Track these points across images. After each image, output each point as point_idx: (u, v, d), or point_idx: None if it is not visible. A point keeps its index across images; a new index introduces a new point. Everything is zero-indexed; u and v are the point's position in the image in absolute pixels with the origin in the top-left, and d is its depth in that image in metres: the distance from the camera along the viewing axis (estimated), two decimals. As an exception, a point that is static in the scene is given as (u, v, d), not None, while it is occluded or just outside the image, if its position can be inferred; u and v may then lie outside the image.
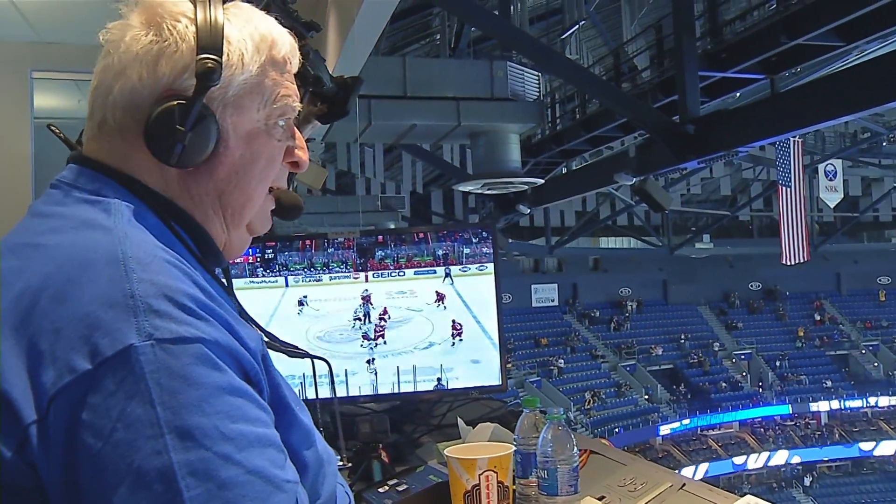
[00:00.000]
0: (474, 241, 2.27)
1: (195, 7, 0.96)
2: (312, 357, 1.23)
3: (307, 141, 1.99)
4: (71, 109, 6.33)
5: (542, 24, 15.98)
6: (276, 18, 1.72)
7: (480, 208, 20.05)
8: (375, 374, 2.18)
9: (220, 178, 0.98)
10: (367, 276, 2.23)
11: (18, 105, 5.03)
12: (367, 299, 2.22)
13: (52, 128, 1.04)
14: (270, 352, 1.02)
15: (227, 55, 0.95)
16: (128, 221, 0.89)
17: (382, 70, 9.89)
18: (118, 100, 0.95)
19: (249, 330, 0.91)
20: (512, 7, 13.05)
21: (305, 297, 2.21)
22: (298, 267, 2.23)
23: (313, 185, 7.24)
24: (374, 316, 2.22)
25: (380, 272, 2.23)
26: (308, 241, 2.25)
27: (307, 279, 2.23)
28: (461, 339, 2.20)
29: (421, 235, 2.27)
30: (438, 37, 15.47)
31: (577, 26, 14.86)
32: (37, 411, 0.76)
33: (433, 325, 2.22)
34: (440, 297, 2.22)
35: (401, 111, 10.39)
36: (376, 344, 2.20)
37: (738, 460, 26.39)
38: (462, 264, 2.24)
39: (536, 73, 11.27)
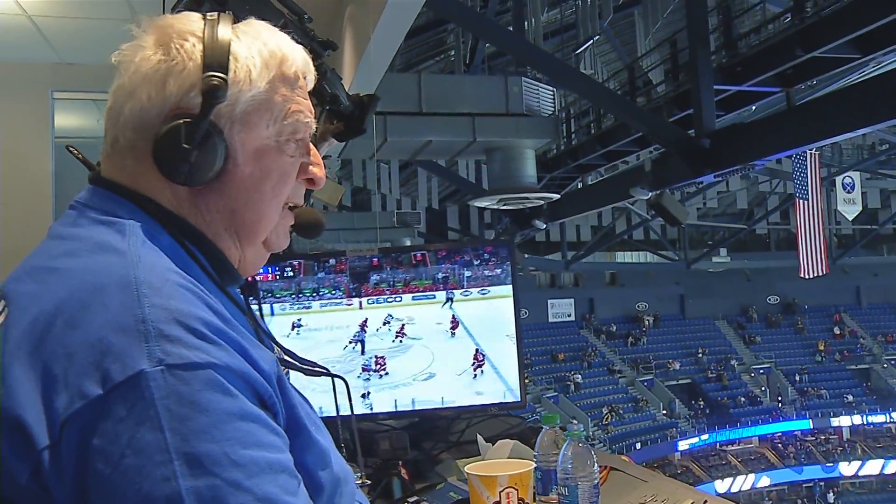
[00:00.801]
0: (475, 263, 2.14)
1: (204, 26, 0.97)
2: (333, 375, 1.21)
3: (323, 158, 2.00)
4: (90, 129, 6.41)
5: (557, 40, 16.00)
6: (293, 37, 1.74)
7: (496, 224, 20.05)
8: (371, 409, 2.08)
9: (231, 195, 0.98)
10: (361, 303, 2.10)
11: (39, 125, 5.11)
12: (364, 324, 2.08)
13: (71, 149, 1.05)
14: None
15: (234, 72, 0.96)
16: (142, 243, 0.89)
17: (398, 86, 9.94)
18: (129, 120, 0.96)
19: (263, 352, 0.90)
20: (526, 23, 13.08)
21: (300, 320, 2.08)
22: (286, 293, 2.09)
23: (330, 201, 7.26)
24: (384, 342, 2.08)
25: (375, 298, 2.10)
26: (296, 265, 2.10)
27: (295, 306, 2.08)
28: (482, 372, 2.10)
29: (419, 258, 2.15)
30: (453, 53, 15.53)
31: (591, 41, 14.85)
32: (49, 436, 0.76)
33: (433, 354, 2.10)
34: (454, 325, 2.11)
35: (416, 127, 10.43)
36: (379, 376, 2.07)
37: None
38: (463, 288, 2.13)
39: (551, 88, 11.30)
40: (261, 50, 0.99)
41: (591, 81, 11.04)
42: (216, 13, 0.99)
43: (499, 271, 2.16)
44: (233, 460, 0.77)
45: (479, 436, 1.86)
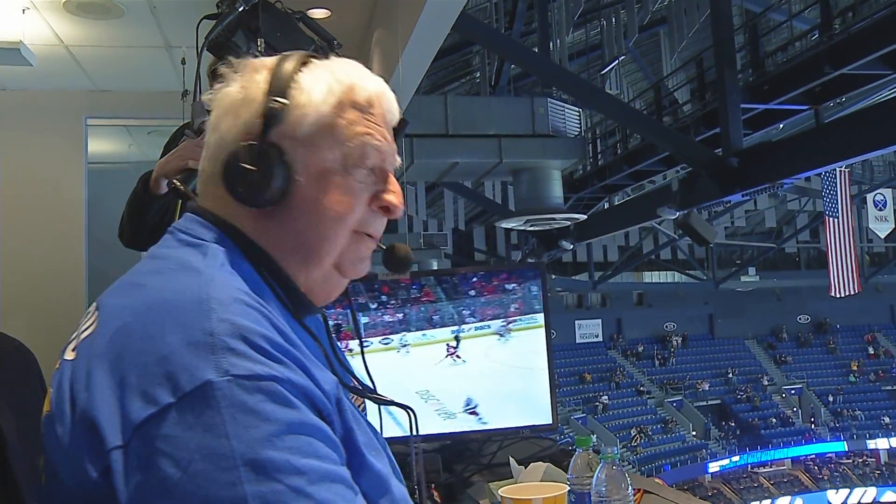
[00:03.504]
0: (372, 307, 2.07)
1: (277, 62, 1.05)
2: (400, 405, 1.22)
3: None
4: (121, 154, 6.51)
5: (582, 60, 16.04)
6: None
7: (523, 244, 20.02)
8: None
9: (295, 216, 1.01)
10: None
11: (73, 151, 5.21)
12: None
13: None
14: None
15: (296, 97, 1.01)
16: (220, 266, 0.94)
17: (424, 109, 10.00)
18: (212, 150, 1.03)
19: (325, 374, 0.94)
20: (551, 43, 13.14)
21: None
22: None
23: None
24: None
25: None
26: None
27: None
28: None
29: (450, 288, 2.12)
30: (479, 74, 15.62)
31: (617, 61, 14.90)
32: (122, 438, 0.81)
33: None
34: (451, 352, 2.10)
35: (443, 149, 10.48)
36: None
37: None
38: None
39: (577, 108, 11.32)
40: (328, 78, 1.04)
41: (617, 101, 11.05)
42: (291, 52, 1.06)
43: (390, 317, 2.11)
44: (294, 467, 0.80)
45: (511, 458, 1.85)
